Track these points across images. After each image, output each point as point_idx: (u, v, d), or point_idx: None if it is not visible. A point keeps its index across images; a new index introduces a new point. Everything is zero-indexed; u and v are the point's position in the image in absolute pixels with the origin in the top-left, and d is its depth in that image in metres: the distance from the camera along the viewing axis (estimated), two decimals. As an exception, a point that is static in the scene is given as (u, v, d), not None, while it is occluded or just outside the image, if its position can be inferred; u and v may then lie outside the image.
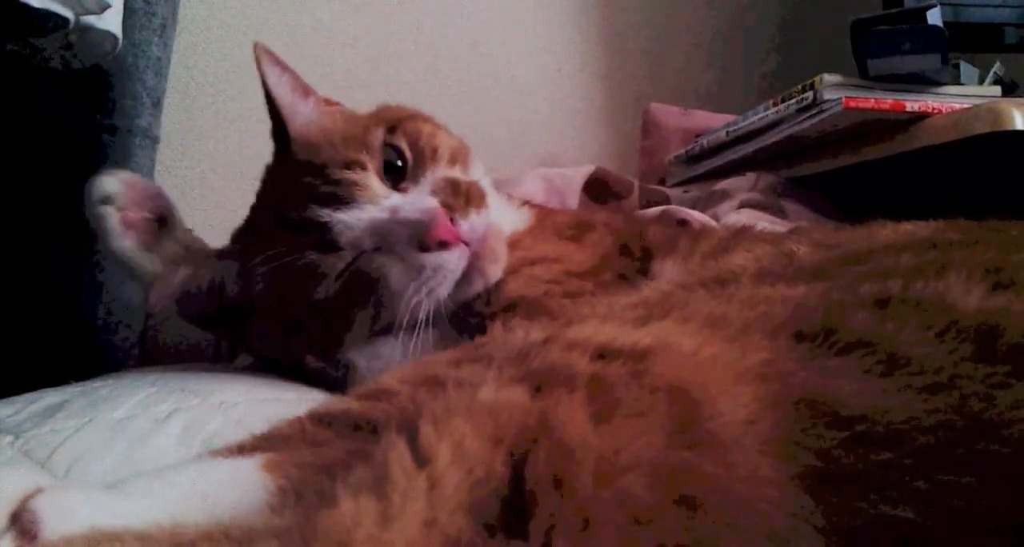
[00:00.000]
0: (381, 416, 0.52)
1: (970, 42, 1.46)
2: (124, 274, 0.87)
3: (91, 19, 0.89)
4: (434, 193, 0.81)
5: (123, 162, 1.08)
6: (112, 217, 0.83)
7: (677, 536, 0.32)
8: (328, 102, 0.93)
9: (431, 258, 0.77)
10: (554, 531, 0.31)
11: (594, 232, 0.93)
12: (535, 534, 0.31)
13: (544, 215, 0.97)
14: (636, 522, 0.32)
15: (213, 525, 0.33)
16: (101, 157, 1.06)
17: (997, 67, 1.43)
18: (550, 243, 0.89)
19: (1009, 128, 1.11)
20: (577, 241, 0.91)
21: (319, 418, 0.54)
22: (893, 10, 1.37)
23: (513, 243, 0.87)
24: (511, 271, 0.83)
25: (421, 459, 0.33)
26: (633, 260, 0.88)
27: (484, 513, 0.31)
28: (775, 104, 1.40)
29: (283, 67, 0.87)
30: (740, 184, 1.40)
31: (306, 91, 0.90)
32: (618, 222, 1.00)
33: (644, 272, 0.85)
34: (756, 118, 1.44)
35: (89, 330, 1.05)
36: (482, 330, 0.76)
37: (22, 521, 0.38)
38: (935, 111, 1.24)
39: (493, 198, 0.90)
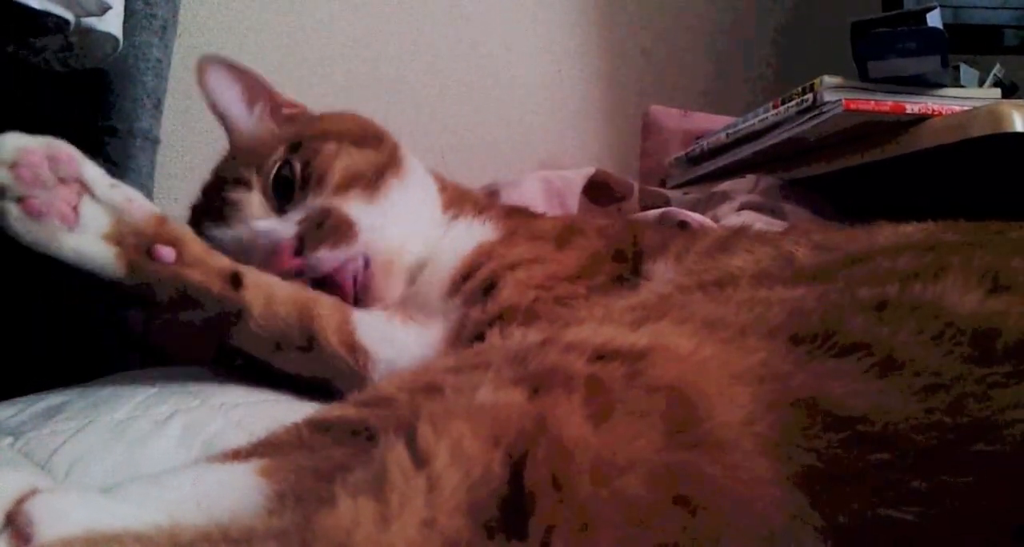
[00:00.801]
0: (379, 423, 0.52)
1: (970, 44, 1.46)
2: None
3: (91, 21, 0.89)
4: (300, 222, 0.82)
5: (123, 164, 1.08)
6: (12, 212, 0.66)
7: (675, 536, 0.32)
8: (290, 104, 0.93)
9: None
10: (553, 531, 0.31)
11: (583, 237, 0.92)
12: (534, 534, 0.31)
13: (518, 224, 0.95)
14: (634, 522, 0.32)
15: (212, 526, 0.33)
16: (101, 159, 1.06)
17: (997, 69, 1.43)
18: (523, 246, 0.88)
19: (1009, 130, 1.12)
20: (560, 244, 0.90)
21: (316, 425, 0.54)
22: (893, 12, 1.37)
23: (486, 254, 0.87)
24: (496, 278, 0.82)
25: (420, 460, 0.33)
26: (626, 263, 0.87)
27: (483, 513, 0.31)
28: (775, 106, 1.40)
29: (234, 76, 0.88)
30: (740, 186, 1.40)
31: (254, 99, 0.90)
32: (614, 228, 0.99)
33: (636, 274, 0.85)
34: (756, 120, 1.44)
35: (90, 331, 1.05)
36: (480, 338, 0.76)
37: (16, 523, 0.38)
38: (935, 113, 1.24)
39: (452, 224, 0.92)
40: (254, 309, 0.75)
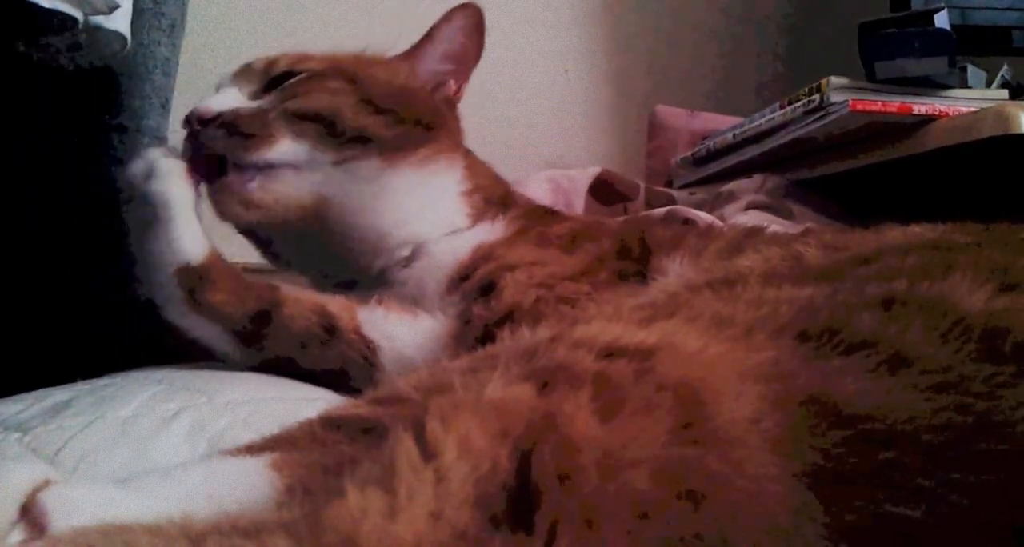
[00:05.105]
0: (391, 422, 0.52)
1: (978, 45, 1.46)
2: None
3: (100, 19, 0.89)
4: (232, 109, 0.90)
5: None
6: (179, 166, 0.83)
7: (681, 530, 0.32)
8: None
9: None
10: (559, 524, 0.31)
11: (593, 241, 0.91)
12: (540, 527, 0.31)
13: (531, 226, 0.94)
14: (640, 516, 0.32)
15: (222, 518, 0.34)
16: (110, 157, 1.06)
17: (1004, 70, 1.43)
18: (525, 248, 0.88)
19: (1016, 131, 1.12)
20: (568, 249, 0.89)
21: (329, 422, 0.54)
22: (900, 13, 1.37)
23: (484, 255, 0.87)
24: (495, 278, 0.83)
25: (428, 453, 0.33)
26: (631, 260, 0.87)
27: (490, 506, 0.31)
28: (782, 106, 1.40)
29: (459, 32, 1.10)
30: (747, 186, 1.40)
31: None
32: (624, 226, 0.99)
33: (643, 272, 0.84)
34: (763, 120, 1.44)
35: (97, 328, 1.05)
36: (488, 337, 0.76)
37: (31, 513, 0.39)
38: (942, 114, 1.24)
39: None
40: (287, 299, 0.84)
